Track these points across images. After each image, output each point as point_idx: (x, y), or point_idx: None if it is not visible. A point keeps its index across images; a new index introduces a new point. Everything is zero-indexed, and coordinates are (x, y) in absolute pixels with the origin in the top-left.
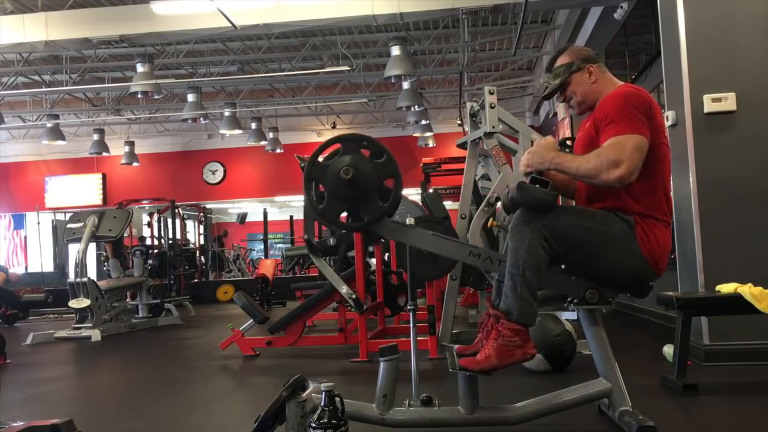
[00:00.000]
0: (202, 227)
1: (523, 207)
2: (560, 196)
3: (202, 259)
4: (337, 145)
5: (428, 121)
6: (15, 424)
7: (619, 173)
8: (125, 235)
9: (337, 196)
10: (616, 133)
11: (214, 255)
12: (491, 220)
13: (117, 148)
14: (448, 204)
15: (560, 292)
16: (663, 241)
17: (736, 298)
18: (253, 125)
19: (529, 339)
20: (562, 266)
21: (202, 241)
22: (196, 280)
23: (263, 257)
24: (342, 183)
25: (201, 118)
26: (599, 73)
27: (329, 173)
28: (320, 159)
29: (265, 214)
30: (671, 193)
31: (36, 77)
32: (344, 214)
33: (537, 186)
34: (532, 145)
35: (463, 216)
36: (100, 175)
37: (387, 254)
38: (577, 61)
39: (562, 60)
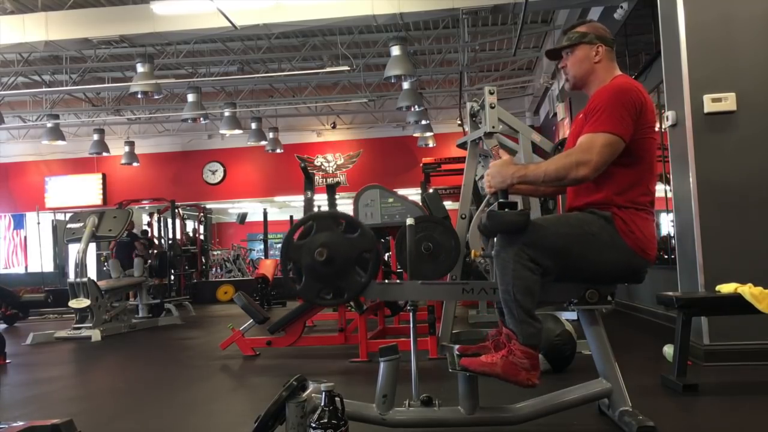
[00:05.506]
0: (202, 227)
1: (499, 233)
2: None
3: (203, 259)
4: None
5: (428, 121)
6: (15, 424)
7: (585, 172)
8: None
9: (314, 276)
10: (594, 129)
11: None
12: (473, 251)
13: (117, 148)
14: (448, 204)
15: (562, 300)
16: (645, 229)
17: (736, 298)
18: (253, 125)
19: (537, 367)
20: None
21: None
22: (195, 281)
23: (263, 257)
24: (318, 262)
25: (201, 118)
26: (605, 57)
27: (304, 253)
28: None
29: (265, 214)
30: (655, 187)
31: (36, 77)
32: None
33: (506, 210)
34: (532, 146)
35: (463, 216)
36: (100, 175)
37: (387, 254)
38: (592, 35)
39: (580, 28)
